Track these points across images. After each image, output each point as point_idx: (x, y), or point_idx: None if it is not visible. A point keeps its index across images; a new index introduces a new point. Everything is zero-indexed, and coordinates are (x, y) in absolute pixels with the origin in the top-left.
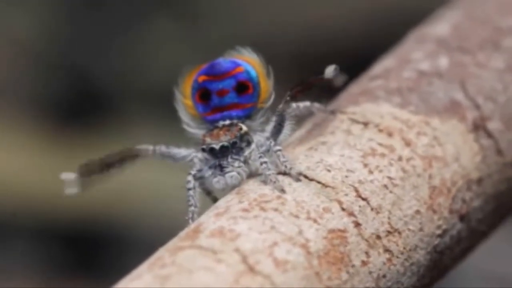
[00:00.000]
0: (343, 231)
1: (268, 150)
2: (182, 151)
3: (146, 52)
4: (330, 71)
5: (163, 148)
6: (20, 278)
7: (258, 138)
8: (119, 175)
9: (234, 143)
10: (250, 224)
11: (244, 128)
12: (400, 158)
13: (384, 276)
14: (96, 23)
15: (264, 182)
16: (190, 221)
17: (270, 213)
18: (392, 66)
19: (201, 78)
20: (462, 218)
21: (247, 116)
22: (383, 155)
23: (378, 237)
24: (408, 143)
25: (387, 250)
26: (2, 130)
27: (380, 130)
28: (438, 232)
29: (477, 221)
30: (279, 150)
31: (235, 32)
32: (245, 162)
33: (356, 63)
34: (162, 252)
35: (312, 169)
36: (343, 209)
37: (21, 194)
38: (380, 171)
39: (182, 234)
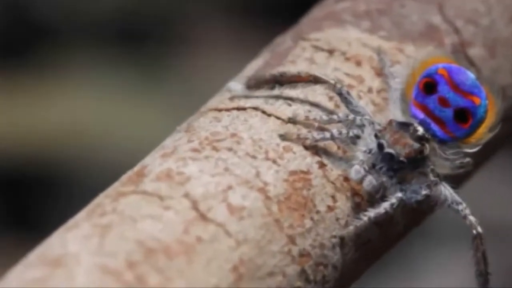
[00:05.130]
0: (306, 172)
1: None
2: (360, 108)
3: None
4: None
5: (343, 91)
6: None
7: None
8: None
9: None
10: (201, 165)
11: (427, 152)
12: (370, 90)
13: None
14: None
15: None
16: None
17: (224, 153)
18: None
19: (441, 72)
20: None
21: (440, 142)
22: (351, 86)
23: (346, 179)
24: (378, 73)
25: (356, 193)
26: None
27: (347, 59)
28: None
29: None
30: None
31: None
32: (401, 182)
33: None
34: (102, 199)
35: (270, 103)
36: (306, 148)
37: None
38: None
39: (124, 178)
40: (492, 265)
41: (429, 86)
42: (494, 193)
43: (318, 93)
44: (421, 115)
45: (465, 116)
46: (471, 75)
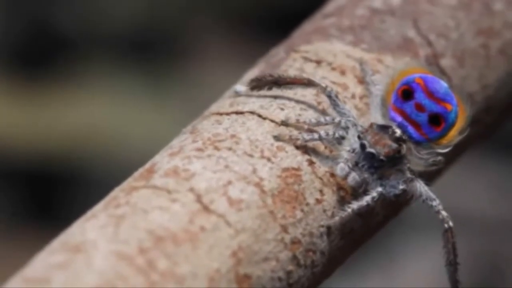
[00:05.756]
0: (297, 169)
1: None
2: (345, 110)
3: None
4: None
5: (332, 94)
6: None
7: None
8: None
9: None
10: (204, 163)
11: (403, 152)
12: (353, 96)
13: None
14: None
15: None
16: None
17: (224, 152)
18: (345, 4)
19: (418, 80)
20: None
21: (416, 143)
22: (336, 93)
23: (332, 175)
24: (361, 81)
25: (341, 188)
26: None
27: (333, 69)
28: None
29: None
30: (435, 200)
31: None
32: (381, 178)
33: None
34: (116, 192)
35: (265, 108)
36: (296, 148)
37: None
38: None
39: (136, 174)
40: (461, 254)
41: (406, 93)
42: (465, 188)
43: (307, 99)
44: (399, 119)
45: (438, 120)
46: (444, 84)
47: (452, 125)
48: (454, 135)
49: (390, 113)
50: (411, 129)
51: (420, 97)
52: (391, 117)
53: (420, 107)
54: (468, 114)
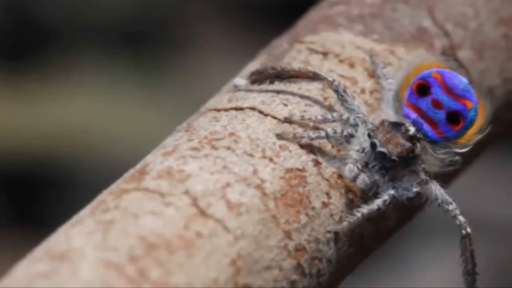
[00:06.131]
0: (302, 170)
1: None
2: (354, 106)
3: None
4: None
5: (340, 88)
6: None
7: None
8: None
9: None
10: (200, 164)
11: (417, 151)
12: (363, 91)
13: None
14: None
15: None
16: None
17: (222, 151)
18: None
19: (435, 75)
20: None
21: (431, 142)
22: (344, 87)
23: (340, 176)
24: (371, 75)
25: (349, 190)
26: None
27: (341, 61)
28: None
29: None
30: (451, 204)
31: None
32: (393, 179)
33: None
34: (105, 195)
35: (267, 104)
36: (301, 147)
37: None
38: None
39: (126, 175)
40: (480, 261)
41: (422, 88)
42: (483, 190)
43: (313, 94)
44: (414, 115)
45: (456, 119)
46: (464, 79)
47: (471, 123)
48: (473, 134)
49: (404, 109)
50: (426, 127)
51: (437, 92)
52: (405, 113)
53: (437, 104)
54: (488, 112)
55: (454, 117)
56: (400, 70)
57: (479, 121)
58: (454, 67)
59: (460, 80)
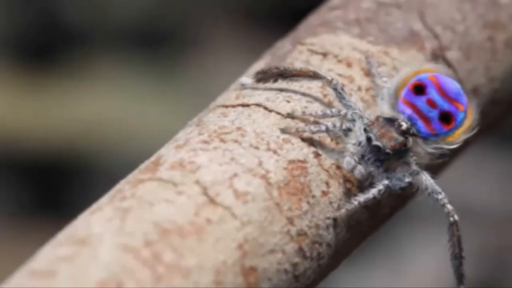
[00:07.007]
0: (303, 161)
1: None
2: (351, 103)
3: None
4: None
5: (338, 86)
6: None
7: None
8: None
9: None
10: (210, 156)
11: (409, 145)
12: (359, 88)
13: None
14: None
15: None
16: None
17: (230, 144)
18: None
19: (431, 78)
20: None
21: (423, 137)
22: (342, 85)
23: (338, 167)
24: (367, 74)
25: (347, 180)
26: None
27: (339, 61)
28: None
29: None
30: (440, 193)
31: None
32: (387, 170)
33: None
34: (122, 185)
35: (271, 100)
36: (303, 140)
37: None
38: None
39: (142, 166)
40: (467, 247)
41: (418, 87)
42: (470, 181)
43: (313, 91)
44: (409, 111)
45: (448, 119)
46: (457, 84)
47: (460, 124)
48: (461, 134)
49: (400, 105)
50: (420, 123)
51: (432, 93)
52: (401, 109)
53: (431, 103)
54: (476, 116)
55: (446, 117)
56: (400, 72)
57: (468, 123)
58: (448, 73)
59: (454, 85)
